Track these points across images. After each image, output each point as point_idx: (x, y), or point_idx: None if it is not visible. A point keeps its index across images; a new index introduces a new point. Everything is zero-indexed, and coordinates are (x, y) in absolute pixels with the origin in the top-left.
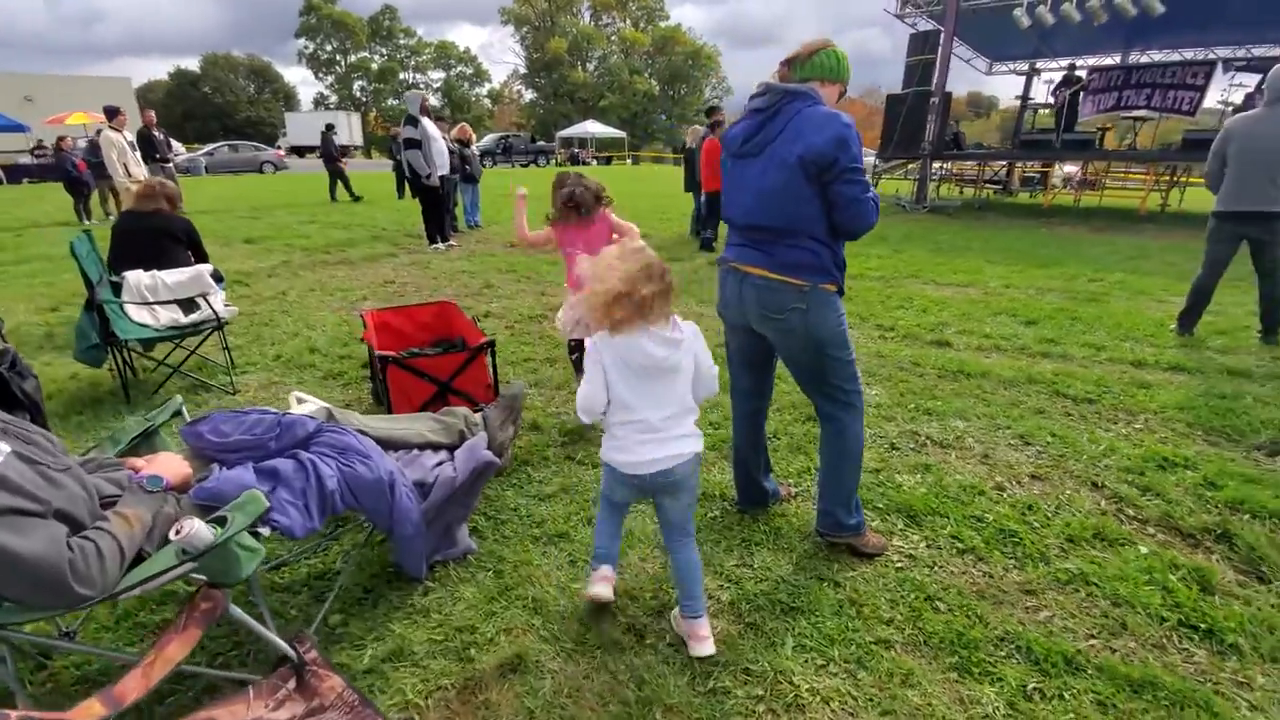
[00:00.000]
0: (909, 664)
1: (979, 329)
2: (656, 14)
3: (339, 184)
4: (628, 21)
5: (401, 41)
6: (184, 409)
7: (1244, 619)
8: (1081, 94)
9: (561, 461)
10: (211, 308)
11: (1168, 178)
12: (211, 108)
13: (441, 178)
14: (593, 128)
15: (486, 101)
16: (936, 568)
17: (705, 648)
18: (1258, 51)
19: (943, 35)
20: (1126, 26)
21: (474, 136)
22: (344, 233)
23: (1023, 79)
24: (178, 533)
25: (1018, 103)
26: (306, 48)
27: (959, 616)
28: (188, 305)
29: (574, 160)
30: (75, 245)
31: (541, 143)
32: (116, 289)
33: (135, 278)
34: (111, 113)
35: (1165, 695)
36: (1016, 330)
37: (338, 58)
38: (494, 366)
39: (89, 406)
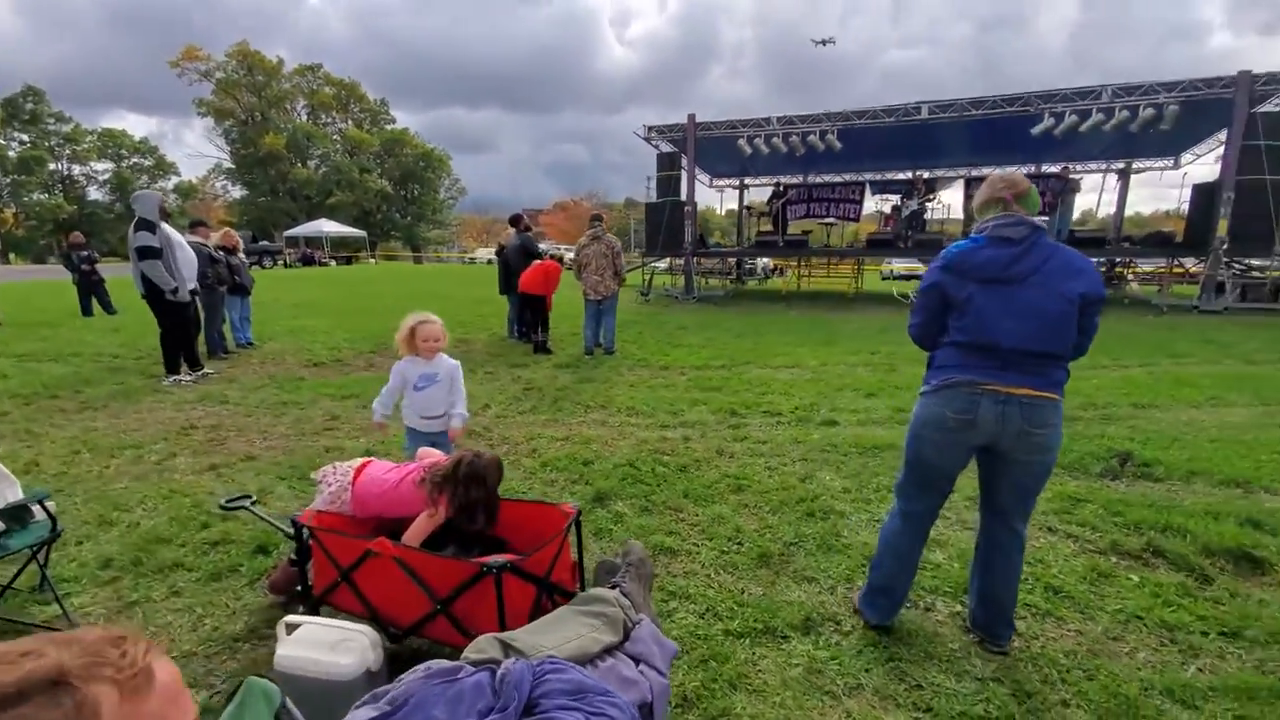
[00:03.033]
0: None
1: (847, 405)
2: (382, 117)
3: (92, 298)
4: (350, 122)
5: (51, 127)
6: (288, 701)
7: None
8: (786, 205)
9: (662, 617)
10: (49, 514)
11: (855, 267)
12: None
13: (191, 292)
14: (327, 226)
15: (173, 196)
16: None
17: None
18: (889, 175)
19: (685, 158)
20: (805, 156)
21: (240, 243)
22: (61, 366)
23: (736, 191)
24: None
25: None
26: None
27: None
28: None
29: (308, 260)
30: None
31: (265, 242)
32: None
33: None
34: None
35: None
36: (869, 404)
37: None
38: (579, 539)
39: None
